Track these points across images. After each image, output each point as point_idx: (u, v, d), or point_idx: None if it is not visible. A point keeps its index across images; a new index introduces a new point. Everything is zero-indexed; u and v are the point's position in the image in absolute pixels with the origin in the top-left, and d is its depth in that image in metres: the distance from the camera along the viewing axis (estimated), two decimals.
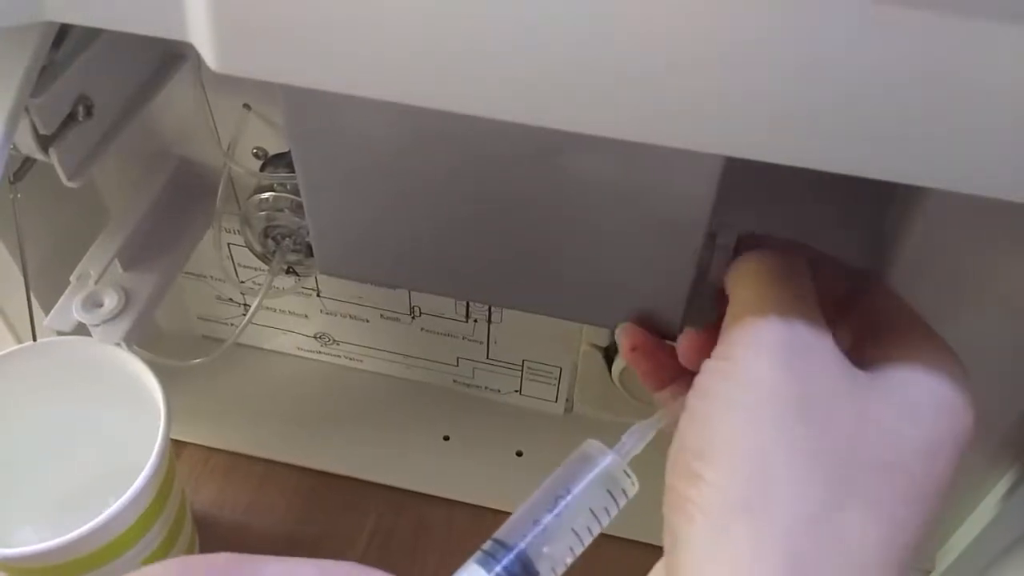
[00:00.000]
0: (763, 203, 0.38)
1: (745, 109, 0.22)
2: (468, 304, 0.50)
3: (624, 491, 0.26)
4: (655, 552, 0.49)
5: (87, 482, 0.47)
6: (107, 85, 0.36)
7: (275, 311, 0.54)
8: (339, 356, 0.56)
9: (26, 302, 0.45)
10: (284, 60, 0.25)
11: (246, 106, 0.42)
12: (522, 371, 0.53)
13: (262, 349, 0.57)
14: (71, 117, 0.35)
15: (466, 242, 0.34)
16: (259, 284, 0.51)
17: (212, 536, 0.49)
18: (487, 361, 0.53)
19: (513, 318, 0.50)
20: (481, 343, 0.52)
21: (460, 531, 0.50)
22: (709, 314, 0.39)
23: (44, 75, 0.33)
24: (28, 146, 0.34)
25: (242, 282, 0.52)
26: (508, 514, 0.50)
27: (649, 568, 0.48)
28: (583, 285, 0.34)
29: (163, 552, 0.43)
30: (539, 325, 0.49)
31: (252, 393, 0.56)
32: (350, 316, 0.53)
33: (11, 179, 0.36)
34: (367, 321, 0.53)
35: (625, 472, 0.26)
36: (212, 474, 0.52)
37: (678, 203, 0.31)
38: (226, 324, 0.56)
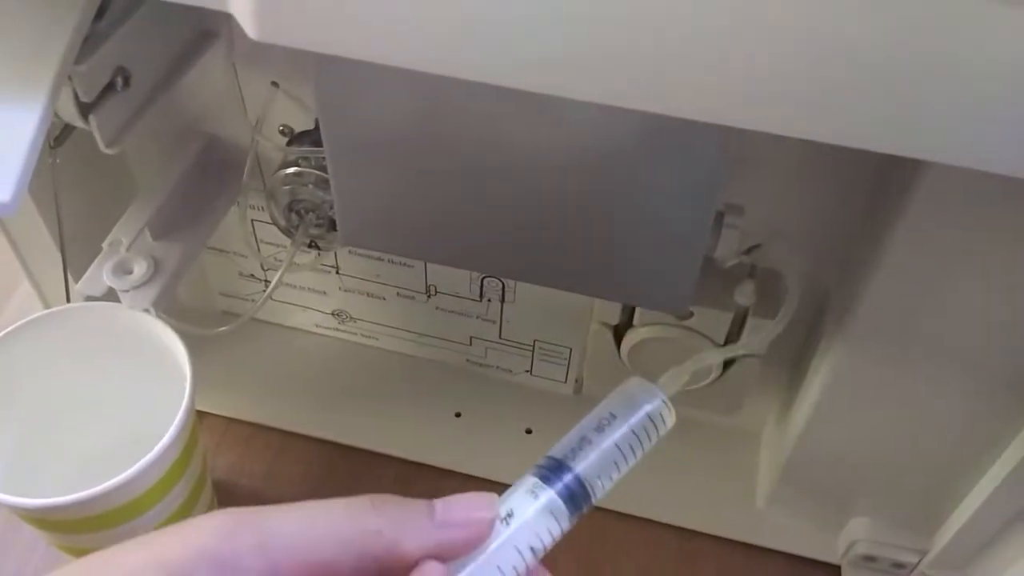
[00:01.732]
0: (766, 182, 0.40)
1: (758, 81, 0.24)
2: (482, 283, 0.51)
3: (664, 419, 0.28)
4: (663, 530, 0.50)
5: (110, 445, 0.48)
6: (144, 58, 0.38)
7: (295, 287, 0.56)
8: (355, 334, 0.58)
9: (56, 267, 0.46)
10: (321, 30, 0.26)
11: (274, 84, 0.43)
12: (533, 351, 0.55)
13: (281, 325, 0.59)
14: (110, 87, 0.36)
15: (485, 215, 0.36)
16: (280, 260, 0.52)
17: (230, 503, 0.51)
18: (499, 341, 0.55)
19: (525, 298, 0.51)
20: (494, 323, 0.54)
21: None
22: (717, 291, 0.41)
23: (86, 45, 0.34)
24: (69, 113, 0.36)
25: (264, 258, 0.53)
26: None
27: (659, 544, 0.50)
28: (596, 260, 0.36)
29: (184, 513, 0.45)
30: (551, 305, 0.51)
31: (270, 367, 0.57)
32: (367, 294, 0.54)
33: (51, 144, 0.37)
34: (384, 299, 0.54)
35: (664, 403, 0.28)
36: (231, 443, 0.54)
37: (690, 180, 0.32)
38: (247, 300, 0.57)
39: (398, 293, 0.54)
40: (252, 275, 0.56)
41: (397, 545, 0.24)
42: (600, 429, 0.27)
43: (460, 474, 0.53)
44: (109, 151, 0.37)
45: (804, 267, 0.40)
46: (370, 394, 0.56)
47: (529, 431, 0.55)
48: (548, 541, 0.26)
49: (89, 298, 0.43)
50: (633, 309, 0.44)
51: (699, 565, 0.50)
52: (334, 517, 0.25)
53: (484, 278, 0.51)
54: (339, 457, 0.54)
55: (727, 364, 0.44)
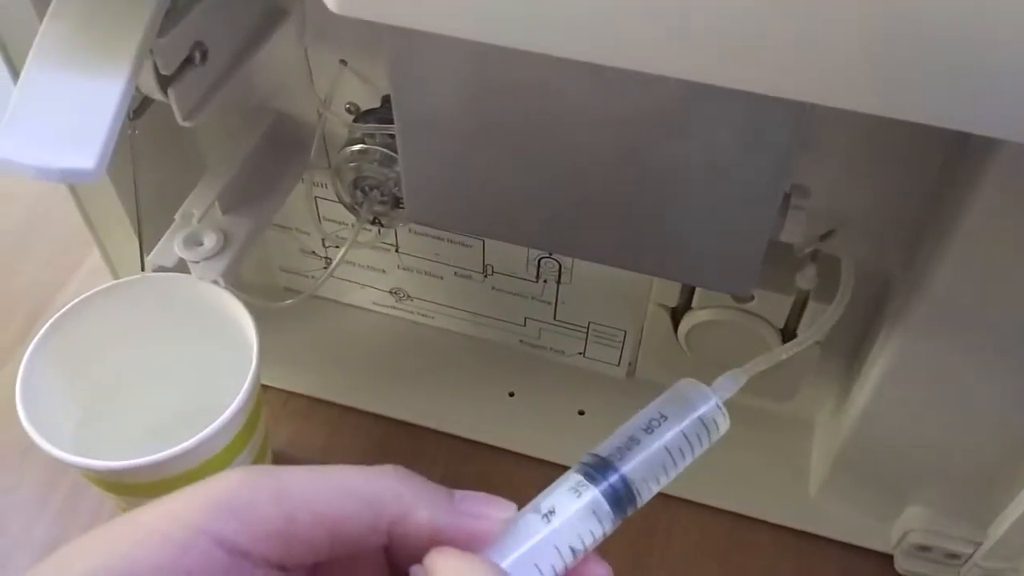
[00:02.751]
0: (830, 165, 0.39)
1: (834, 55, 0.24)
2: (539, 264, 0.51)
3: (717, 424, 0.27)
4: (714, 514, 0.51)
5: (174, 413, 0.50)
6: (220, 33, 0.39)
7: (354, 265, 0.57)
8: (411, 312, 0.59)
9: (125, 238, 0.48)
10: (401, 2, 0.27)
11: (342, 62, 0.44)
12: (587, 333, 0.55)
13: (339, 302, 0.60)
14: (188, 61, 0.37)
15: (551, 191, 0.36)
16: (341, 237, 0.53)
17: None
18: (554, 322, 0.55)
19: (581, 280, 0.51)
20: (549, 304, 0.54)
21: (523, 482, 0.52)
22: (779, 274, 0.41)
23: (167, 19, 0.35)
24: (148, 85, 0.37)
25: (327, 234, 0.54)
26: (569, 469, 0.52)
27: (709, 528, 0.50)
28: (662, 239, 0.36)
29: None
30: (606, 288, 0.51)
31: (328, 342, 0.58)
32: (426, 273, 0.55)
33: (130, 116, 0.38)
34: (441, 278, 0.55)
35: (718, 407, 0.27)
36: (289, 416, 0.55)
37: (756, 160, 0.32)
38: (307, 277, 0.58)
39: (455, 273, 0.54)
40: (313, 252, 0.57)
41: (413, 512, 0.24)
42: (650, 430, 0.26)
43: (513, 453, 0.54)
44: (186, 124, 0.38)
45: (862, 253, 0.40)
46: (425, 372, 0.57)
47: (582, 412, 0.56)
48: (589, 542, 0.25)
49: (160, 268, 0.45)
50: (692, 291, 0.44)
51: (749, 551, 0.50)
52: (354, 477, 0.25)
53: (541, 258, 0.51)
54: (394, 432, 0.55)
55: None
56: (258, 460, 0.47)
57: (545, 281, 0.52)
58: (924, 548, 0.48)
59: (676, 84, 0.26)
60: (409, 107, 0.36)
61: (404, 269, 0.55)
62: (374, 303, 0.59)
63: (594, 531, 0.25)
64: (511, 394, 0.57)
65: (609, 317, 0.53)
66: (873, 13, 0.22)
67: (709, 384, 0.28)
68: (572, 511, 0.25)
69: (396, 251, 0.54)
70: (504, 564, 0.24)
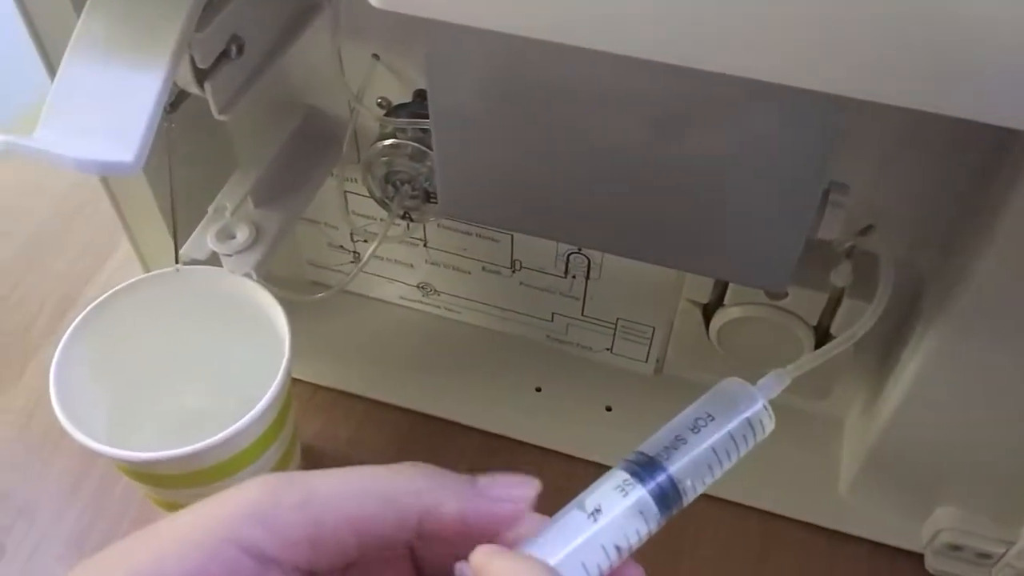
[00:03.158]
0: (866, 162, 0.39)
1: (877, 48, 0.23)
2: (568, 260, 0.51)
3: (763, 425, 0.27)
4: (744, 511, 0.50)
5: (204, 406, 0.50)
6: (256, 28, 0.39)
7: (381, 259, 0.57)
8: (438, 307, 0.59)
9: (156, 231, 0.48)
10: None
11: (375, 56, 0.44)
12: (615, 329, 0.55)
13: (366, 296, 0.60)
14: (224, 54, 0.37)
15: (587, 186, 0.36)
16: (371, 232, 0.54)
17: (315, 466, 0.52)
18: (582, 318, 0.55)
19: (610, 276, 0.51)
20: (577, 299, 0.54)
21: (550, 477, 0.51)
22: (813, 271, 0.40)
23: (204, 13, 0.35)
24: (185, 79, 0.37)
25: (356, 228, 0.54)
26: (597, 464, 0.51)
27: (739, 526, 0.50)
28: (697, 234, 0.36)
29: None
30: (636, 284, 0.51)
31: (355, 336, 0.58)
32: (453, 267, 0.55)
33: (167, 109, 0.38)
34: (468, 273, 0.55)
35: (765, 408, 0.27)
36: (317, 409, 0.55)
37: (797, 155, 0.32)
38: (335, 271, 0.59)
39: (483, 268, 0.54)
40: (340, 246, 0.57)
41: (437, 507, 0.25)
42: (696, 429, 0.26)
43: (539, 448, 0.54)
44: (221, 118, 0.38)
45: (901, 251, 0.39)
46: (452, 366, 0.57)
47: (609, 408, 0.55)
48: (634, 541, 0.25)
49: (192, 262, 0.45)
50: (724, 288, 0.44)
51: (779, 549, 0.50)
52: (377, 478, 0.25)
53: (570, 254, 0.51)
54: (421, 426, 0.55)
55: (818, 346, 0.43)
56: (288, 453, 0.47)
57: (574, 277, 0.52)
58: (955, 547, 0.47)
59: (718, 79, 0.26)
60: (444, 100, 0.36)
61: (431, 264, 0.55)
62: (401, 297, 0.59)
63: (640, 531, 0.25)
64: (538, 389, 0.57)
65: (638, 313, 0.53)
66: (914, 5, 0.22)
67: (753, 383, 0.28)
68: (619, 510, 0.25)
69: (424, 246, 0.54)
70: (552, 562, 0.24)
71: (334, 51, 0.44)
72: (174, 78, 0.36)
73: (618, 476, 0.26)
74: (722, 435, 0.26)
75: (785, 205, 0.33)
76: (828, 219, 0.35)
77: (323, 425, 0.54)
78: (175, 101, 0.38)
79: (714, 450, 0.26)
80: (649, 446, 0.26)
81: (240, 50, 0.38)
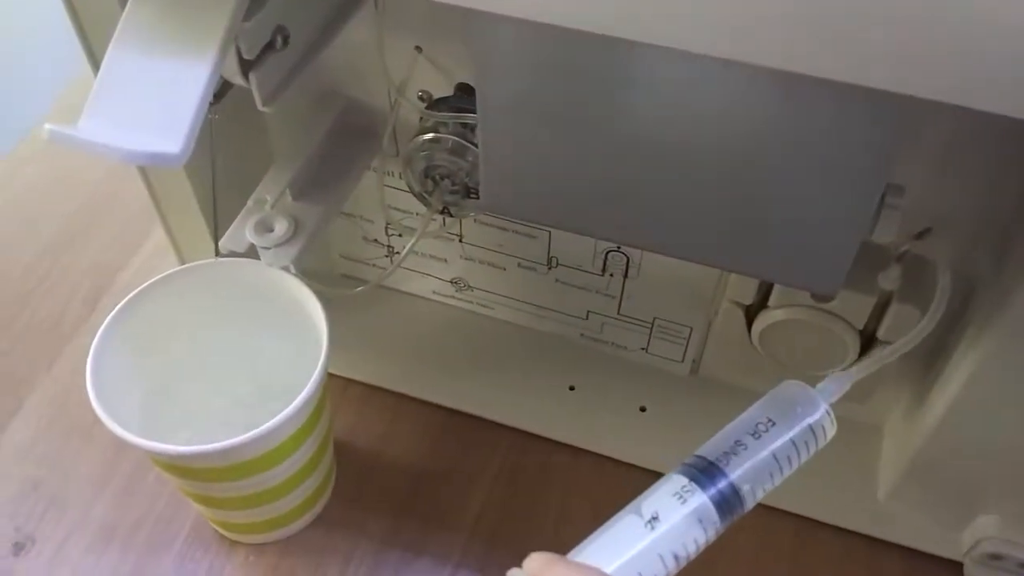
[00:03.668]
0: (921, 165, 0.38)
1: (941, 50, 0.23)
2: (606, 257, 0.51)
3: (825, 431, 0.26)
4: (779, 516, 0.49)
5: (238, 398, 0.50)
6: (301, 18, 0.38)
7: (416, 254, 0.56)
8: (471, 302, 0.58)
9: (192, 223, 0.48)
10: None
11: (417, 48, 0.44)
12: (651, 329, 0.54)
13: (397, 290, 0.60)
14: (269, 45, 0.37)
15: (634, 183, 0.36)
16: (408, 227, 0.53)
17: (348, 461, 0.52)
18: (617, 317, 0.54)
19: (649, 275, 0.51)
20: (613, 298, 0.53)
21: (582, 476, 0.51)
22: (862, 274, 0.40)
23: (251, 3, 0.35)
24: (230, 70, 0.36)
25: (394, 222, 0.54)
26: (630, 465, 0.51)
27: (775, 531, 0.49)
28: (750, 235, 0.35)
29: (310, 469, 0.46)
30: (674, 283, 0.50)
31: (388, 330, 0.58)
32: (488, 263, 0.55)
33: (211, 100, 0.38)
34: (503, 269, 0.55)
35: (828, 413, 0.26)
36: (349, 403, 0.55)
37: (856, 156, 0.31)
38: (368, 264, 0.58)
39: (519, 264, 0.54)
40: (375, 240, 0.56)
41: None
42: (757, 435, 0.26)
43: (572, 447, 0.53)
44: (265, 109, 0.38)
45: (955, 256, 0.38)
46: (485, 363, 0.57)
47: (643, 409, 0.55)
48: (692, 550, 0.24)
49: (230, 254, 0.44)
50: (769, 289, 0.43)
51: (815, 554, 0.50)
52: None
53: (609, 252, 0.50)
54: (454, 423, 0.54)
55: (863, 351, 0.43)
56: (323, 447, 0.46)
57: (611, 275, 0.52)
58: (996, 556, 0.46)
59: (778, 76, 0.25)
60: (492, 94, 0.35)
61: (466, 259, 0.55)
62: (434, 292, 0.59)
63: (698, 539, 0.25)
64: (571, 388, 0.56)
65: (675, 313, 0.52)
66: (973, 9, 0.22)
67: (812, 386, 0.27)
68: (678, 518, 0.24)
69: (460, 241, 0.54)
70: (608, 570, 0.23)
71: (377, 43, 0.44)
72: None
73: (676, 481, 0.25)
74: (784, 442, 0.26)
75: (843, 205, 0.32)
76: (884, 221, 0.34)
77: (355, 419, 0.54)
78: (219, 92, 0.38)
79: (775, 457, 0.25)
80: (708, 450, 0.26)
81: (286, 41, 0.37)
